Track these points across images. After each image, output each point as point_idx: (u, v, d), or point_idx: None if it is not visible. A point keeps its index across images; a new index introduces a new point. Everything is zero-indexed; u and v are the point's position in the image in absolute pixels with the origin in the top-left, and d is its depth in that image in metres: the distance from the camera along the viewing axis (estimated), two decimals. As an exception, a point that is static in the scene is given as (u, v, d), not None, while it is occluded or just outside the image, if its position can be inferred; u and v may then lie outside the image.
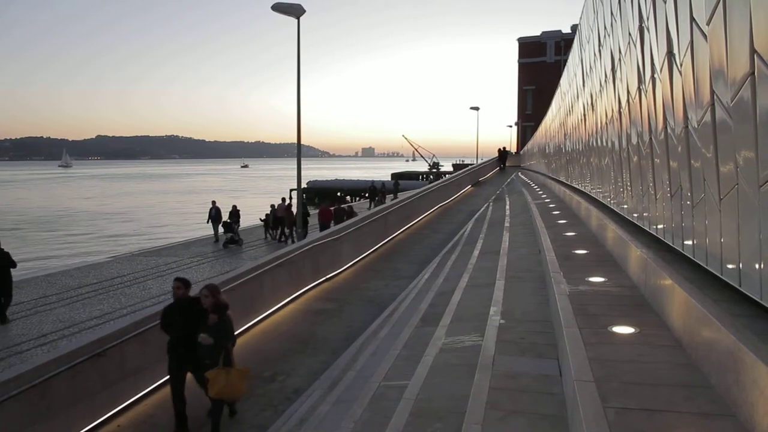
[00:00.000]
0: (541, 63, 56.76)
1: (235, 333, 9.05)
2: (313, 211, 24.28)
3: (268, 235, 21.62)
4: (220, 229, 20.92)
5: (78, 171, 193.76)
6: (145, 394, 7.13)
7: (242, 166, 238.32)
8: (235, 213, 21.40)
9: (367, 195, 36.10)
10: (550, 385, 4.53)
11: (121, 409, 6.75)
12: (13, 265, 11.40)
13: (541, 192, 21.30)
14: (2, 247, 11.41)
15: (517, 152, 55.30)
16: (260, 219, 22.58)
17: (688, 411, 3.12)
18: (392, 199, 29.10)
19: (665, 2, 5.18)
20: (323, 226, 19.18)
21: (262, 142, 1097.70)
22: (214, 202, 21.89)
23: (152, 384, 7.26)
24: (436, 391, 5.05)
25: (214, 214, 21.22)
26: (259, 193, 72.95)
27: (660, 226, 6.14)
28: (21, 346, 9.50)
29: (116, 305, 11.94)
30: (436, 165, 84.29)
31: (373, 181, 46.70)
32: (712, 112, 4.04)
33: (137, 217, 44.75)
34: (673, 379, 3.55)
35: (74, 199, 66.13)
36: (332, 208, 20.82)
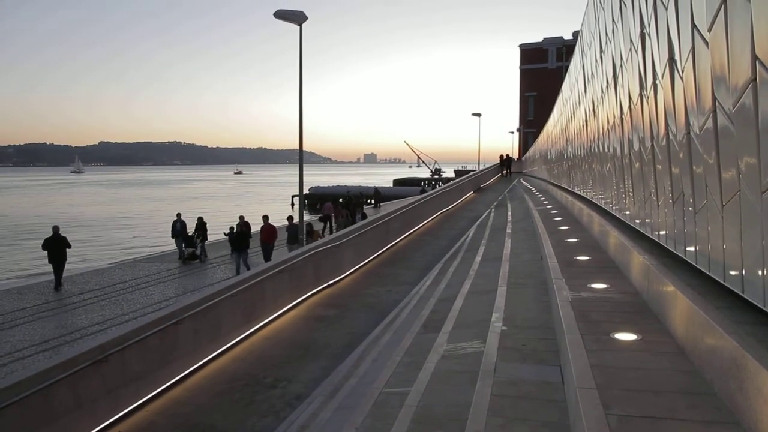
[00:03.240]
0: (543, 69, 56.78)
1: (236, 340, 9.13)
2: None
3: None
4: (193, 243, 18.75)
5: (88, 177, 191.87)
6: (146, 400, 7.12)
7: (235, 173, 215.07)
8: (201, 226, 18.93)
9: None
10: (552, 392, 4.51)
11: (123, 415, 6.74)
12: (69, 246, 15.01)
13: (543, 198, 21.29)
14: (60, 233, 15.05)
15: (519, 158, 55.30)
16: (224, 233, 19.07)
17: (690, 418, 3.11)
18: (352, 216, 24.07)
19: (666, 9, 5.19)
20: (264, 247, 15.90)
21: (265, 148, 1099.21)
22: (179, 215, 19.49)
23: (154, 390, 7.26)
24: (438, 397, 5.03)
25: (179, 228, 18.89)
26: (262, 200, 72.99)
27: (662, 233, 6.12)
28: (23, 351, 9.50)
29: (118, 311, 11.95)
30: (437, 171, 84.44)
31: (348, 190, 41.40)
32: (713, 118, 4.05)
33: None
34: (675, 386, 3.53)
35: (90, 205, 66.17)
36: (279, 225, 17.55)
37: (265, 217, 16.37)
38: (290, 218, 16.63)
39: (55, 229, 15.13)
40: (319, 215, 21.46)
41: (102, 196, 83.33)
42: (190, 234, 18.94)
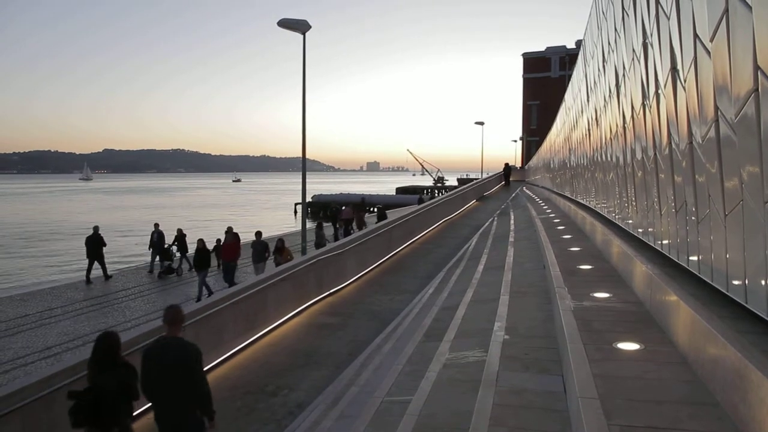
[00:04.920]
0: (546, 78, 56.92)
1: (238, 347, 9.12)
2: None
3: (220, 264, 16.85)
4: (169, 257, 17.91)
5: (94, 185, 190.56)
6: (148, 407, 7.10)
7: (234, 180, 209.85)
8: (180, 238, 18.08)
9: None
10: (554, 401, 4.49)
11: (124, 422, 6.71)
12: (104, 244, 17.25)
13: (545, 207, 21.27)
14: (99, 232, 17.25)
15: (522, 167, 55.34)
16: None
17: (693, 429, 3.09)
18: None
19: (668, 19, 5.22)
20: (225, 267, 14.52)
21: (268, 156, 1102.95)
22: (156, 225, 18.61)
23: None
24: (440, 406, 5.01)
25: (156, 240, 18.01)
26: (265, 208, 73.05)
27: (665, 242, 6.12)
28: (26, 358, 9.52)
29: (120, 318, 11.96)
30: (440, 179, 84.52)
31: (335, 199, 40.80)
32: (716, 128, 4.05)
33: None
34: (678, 397, 3.52)
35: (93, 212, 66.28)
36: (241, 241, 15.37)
37: (229, 229, 15.20)
38: (258, 234, 15.18)
39: (95, 228, 17.31)
40: (339, 220, 22.77)
41: (111, 203, 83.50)
42: (168, 246, 18.06)
